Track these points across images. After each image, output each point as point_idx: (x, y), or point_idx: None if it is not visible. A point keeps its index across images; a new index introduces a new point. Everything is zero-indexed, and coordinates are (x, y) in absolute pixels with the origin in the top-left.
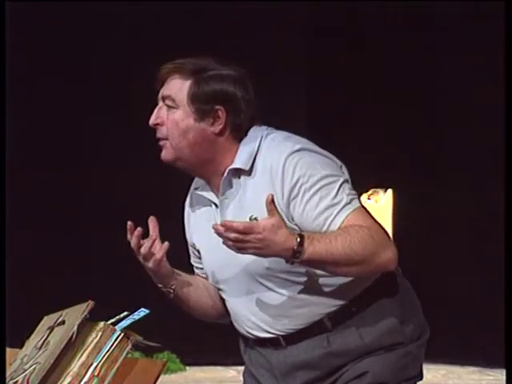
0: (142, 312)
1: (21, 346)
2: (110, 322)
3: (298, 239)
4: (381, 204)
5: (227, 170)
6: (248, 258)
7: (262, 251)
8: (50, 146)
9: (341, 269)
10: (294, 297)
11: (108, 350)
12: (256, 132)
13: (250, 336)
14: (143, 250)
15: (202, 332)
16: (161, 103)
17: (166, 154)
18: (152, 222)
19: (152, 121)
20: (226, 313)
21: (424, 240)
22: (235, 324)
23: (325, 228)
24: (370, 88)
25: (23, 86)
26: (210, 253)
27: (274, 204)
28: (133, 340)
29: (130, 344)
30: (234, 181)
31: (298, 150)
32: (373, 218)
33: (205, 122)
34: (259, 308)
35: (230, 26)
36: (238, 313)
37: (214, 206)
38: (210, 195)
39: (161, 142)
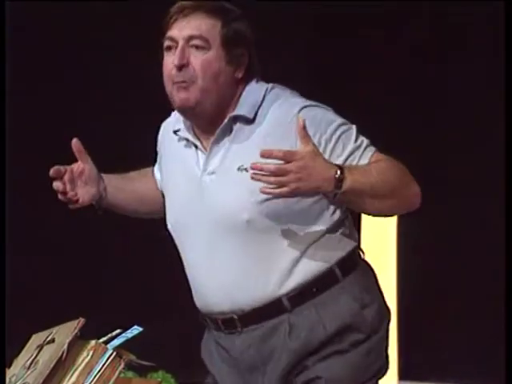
0: (136, 330)
1: (9, 366)
2: (101, 340)
3: (338, 168)
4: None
5: (228, 117)
6: (224, 207)
7: (304, 183)
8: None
9: (377, 201)
10: (257, 261)
11: (100, 370)
12: (260, 83)
13: (206, 314)
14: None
15: (198, 351)
16: (182, 43)
17: (190, 97)
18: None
19: (178, 61)
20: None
21: (431, 259)
22: (193, 292)
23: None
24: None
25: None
26: (178, 197)
27: (307, 131)
28: (126, 359)
29: (123, 363)
30: (231, 128)
31: (309, 105)
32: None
33: (232, 66)
34: (218, 271)
35: None
36: (194, 275)
37: (195, 148)
38: (196, 142)
39: (183, 84)
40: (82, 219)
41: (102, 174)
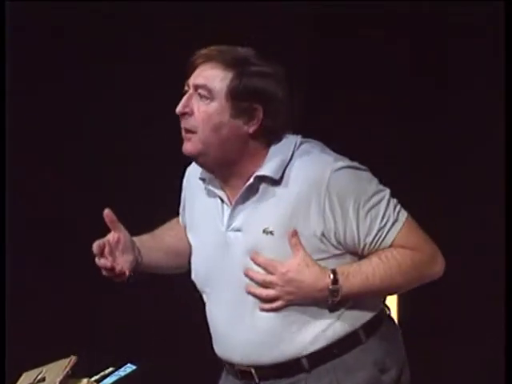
0: (129, 368)
1: None
2: (94, 378)
3: (331, 276)
4: None
5: (253, 177)
6: (246, 265)
7: (295, 296)
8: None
9: (382, 295)
10: (281, 321)
11: None
12: (288, 140)
13: (225, 361)
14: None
15: None
16: (191, 91)
17: (192, 147)
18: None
19: (180, 109)
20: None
21: (437, 291)
22: (213, 340)
23: (375, 249)
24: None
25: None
26: (203, 248)
27: (299, 239)
28: None
29: None
30: (258, 187)
31: (341, 167)
32: (419, 230)
33: (240, 120)
34: (240, 325)
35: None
36: (216, 325)
37: (220, 201)
38: (221, 193)
39: (187, 134)
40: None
41: (133, 238)
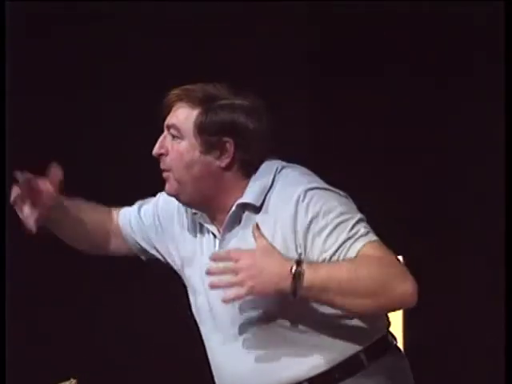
0: None
1: None
2: None
3: (294, 261)
4: None
5: (235, 205)
6: (243, 301)
7: (258, 280)
8: None
9: (349, 300)
10: (279, 347)
11: None
12: (268, 166)
13: None
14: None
15: None
16: (166, 132)
17: (169, 187)
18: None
19: (155, 151)
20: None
21: (439, 314)
22: (213, 373)
23: (340, 258)
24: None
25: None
26: (197, 282)
27: (260, 230)
28: None
29: None
30: (240, 216)
31: (313, 188)
32: (390, 251)
33: (211, 155)
34: (239, 358)
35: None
36: (215, 360)
37: (212, 235)
38: (212, 227)
39: (164, 174)
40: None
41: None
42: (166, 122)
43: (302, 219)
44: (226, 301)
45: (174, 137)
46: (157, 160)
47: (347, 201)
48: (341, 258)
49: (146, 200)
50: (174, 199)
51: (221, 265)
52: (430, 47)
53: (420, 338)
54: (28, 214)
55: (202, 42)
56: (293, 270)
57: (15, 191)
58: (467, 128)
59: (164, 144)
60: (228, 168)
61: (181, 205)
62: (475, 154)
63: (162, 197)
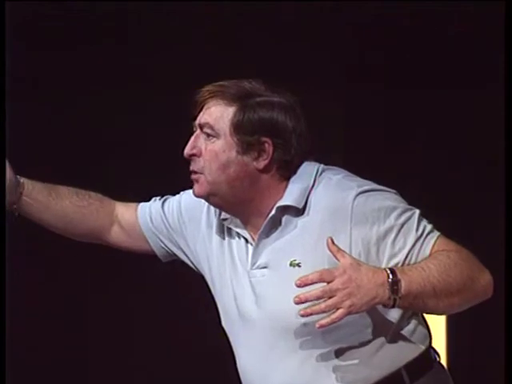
0: None
1: None
2: None
3: (388, 270)
4: None
5: (275, 208)
6: (277, 309)
7: (357, 297)
8: None
9: (443, 301)
10: (314, 364)
11: None
12: (307, 168)
13: None
14: None
15: None
16: (198, 131)
17: (200, 190)
18: None
19: (187, 151)
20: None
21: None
22: None
23: (414, 261)
24: None
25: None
26: (228, 292)
27: (336, 246)
28: None
29: None
30: (280, 219)
31: (365, 191)
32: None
33: (248, 156)
34: (272, 370)
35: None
36: (246, 372)
37: (243, 240)
38: (244, 232)
39: (194, 176)
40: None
41: (25, 181)
42: (198, 121)
43: (361, 225)
44: (323, 326)
45: (207, 136)
46: (187, 161)
47: (400, 198)
48: (413, 259)
49: (167, 196)
50: (198, 201)
51: (313, 290)
52: (429, 47)
53: (465, 354)
54: None
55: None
56: (389, 280)
57: None
58: (467, 128)
59: (196, 144)
60: (265, 170)
61: (209, 206)
62: (475, 158)
63: (185, 196)
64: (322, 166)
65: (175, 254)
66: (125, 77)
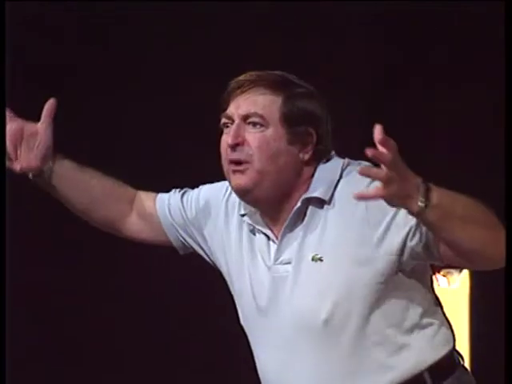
0: None
1: None
2: None
3: (420, 179)
4: (454, 287)
5: (301, 200)
6: (298, 305)
7: (401, 186)
8: None
9: (469, 229)
10: (336, 365)
11: None
12: (335, 160)
13: None
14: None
15: None
16: (238, 121)
17: (247, 179)
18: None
19: (232, 140)
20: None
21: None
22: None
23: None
24: None
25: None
26: (247, 289)
27: (384, 136)
28: None
29: None
30: (304, 212)
31: None
32: None
33: (295, 147)
34: (293, 370)
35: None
36: (266, 372)
37: (264, 237)
38: (265, 229)
39: (238, 167)
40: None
41: (60, 154)
42: (240, 112)
43: (376, 208)
44: (359, 197)
45: (254, 125)
46: (231, 149)
47: None
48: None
49: (186, 189)
50: (217, 195)
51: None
52: (429, 47)
53: (489, 356)
54: (23, 157)
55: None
56: (423, 185)
57: (8, 138)
58: (466, 128)
59: (240, 133)
60: (309, 162)
61: (227, 201)
62: (475, 158)
63: (204, 190)
64: (347, 159)
65: (192, 247)
66: (125, 77)
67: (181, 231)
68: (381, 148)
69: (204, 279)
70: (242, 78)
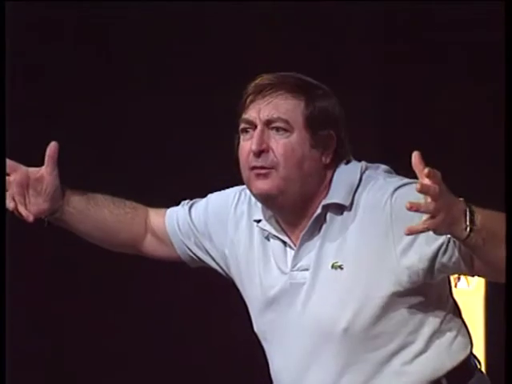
0: None
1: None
2: None
3: (464, 202)
4: (470, 288)
5: (321, 205)
6: (317, 314)
7: (448, 215)
8: None
9: (504, 247)
10: (354, 373)
11: None
12: (353, 164)
13: None
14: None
15: None
16: (261, 126)
17: (271, 185)
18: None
19: (256, 147)
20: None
21: None
22: None
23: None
24: None
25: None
26: (263, 295)
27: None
28: None
29: None
30: (323, 218)
31: (401, 185)
32: None
33: (318, 151)
34: (309, 377)
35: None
36: (281, 379)
37: (280, 243)
38: (281, 234)
39: (262, 171)
40: None
41: (67, 190)
42: (264, 115)
43: (401, 219)
44: (412, 232)
45: (277, 130)
46: (256, 155)
47: None
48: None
49: (195, 200)
50: (225, 203)
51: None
52: (429, 47)
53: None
54: (32, 203)
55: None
56: (467, 209)
57: (10, 191)
58: (467, 128)
59: (264, 139)
60: (330, 165)
61: (236, 207)
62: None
63: (212, 199)
64: (364, 163)
65: (202, 260)
66: (125, 77)
67: (190, 245)
68: (426, 181)
69: (212, 285)
70: (260, 81)
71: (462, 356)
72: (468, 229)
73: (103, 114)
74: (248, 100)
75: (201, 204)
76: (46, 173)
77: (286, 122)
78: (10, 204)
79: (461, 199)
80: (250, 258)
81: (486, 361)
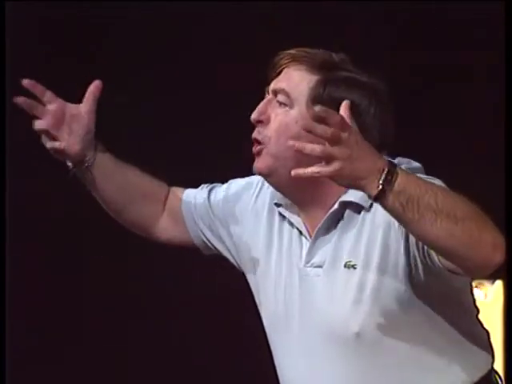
0: None
1: None
2: None
3: (388, 163)
4: (488, 300)
5: (339, 202)
6: (330, 315)
7: (349, 166)
8: None
9: (442, 222)
10: (365, 379)
11: None
12: None
13: None
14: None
15: None
16: (271, 96)
17: (261, 164)
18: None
19: (255, 116)
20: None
21: None
22: None
23: None
24: None
25: None
26: (274, 287)
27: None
28: None
29: None
30: (341, 215)
31: None
32: None
33: None
34: (319, 376)
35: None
36: (289, 379)
37: (298, 232)
38: (299, 223)
39: (256, 147)
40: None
41: (99, 144)
42: (274, 86)
43: None
44: (296, 174)
45: (280, 104)
46: (253, 127)
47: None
48: None
49: (215, 185)
50: (246, 191)
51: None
52: (430, 47)
53: None
54: (66, 140)
55: None
56: (385, 169)
57: (43, 120)
58: (467, 128)
59: (266, 110)
60: None
61: (257, 196)
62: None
63: (233, 185)
64: (398, 158)
65: (215, 247)
66: (125, 77)
67: (204, 229)
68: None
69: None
70: (290, 51)
71: (481, 371)
72: (380, 187)
73: (103, 114)
74: (273, 69)
75: (221, 188)
76: (83, 111)
77: (288, 95)
78: (39, 127)
79: (386, 158)
80: (267, 249)
81: (506, 376)
